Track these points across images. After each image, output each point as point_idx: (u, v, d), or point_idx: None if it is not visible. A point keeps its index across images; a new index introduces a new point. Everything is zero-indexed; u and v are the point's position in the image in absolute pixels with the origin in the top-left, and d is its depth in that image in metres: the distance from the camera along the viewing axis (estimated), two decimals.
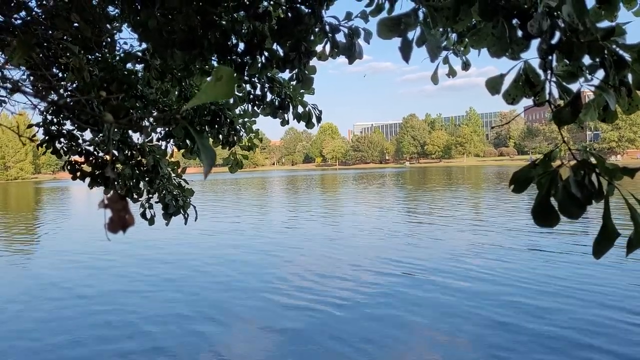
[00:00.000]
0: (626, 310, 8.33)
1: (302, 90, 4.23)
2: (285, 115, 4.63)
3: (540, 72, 1.84)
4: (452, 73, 3.21)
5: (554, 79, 1.81)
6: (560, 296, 9.24)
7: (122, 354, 7.12)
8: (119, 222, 0.82)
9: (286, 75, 4.01)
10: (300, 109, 4.58)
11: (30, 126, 4.51)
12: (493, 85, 1.86)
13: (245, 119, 5.00)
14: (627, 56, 1.57)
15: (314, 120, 4.69)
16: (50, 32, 3.69)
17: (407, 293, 9.84)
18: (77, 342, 7.66)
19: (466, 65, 3.26)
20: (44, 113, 4.89)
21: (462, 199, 32.20)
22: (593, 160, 1.63)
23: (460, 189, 41.11)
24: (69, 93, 4.24)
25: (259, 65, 3.76)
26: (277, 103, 4.47)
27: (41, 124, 4.95)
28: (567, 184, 1.58)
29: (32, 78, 4.19)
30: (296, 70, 3.49)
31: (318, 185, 60.19)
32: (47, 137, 4.86)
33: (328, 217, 24.51)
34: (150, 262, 14.02)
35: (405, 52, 1.66)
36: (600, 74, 1.74)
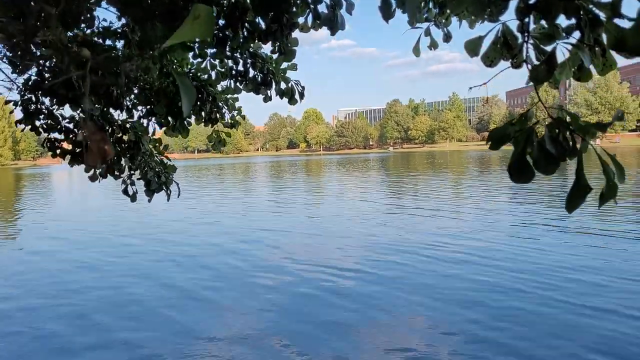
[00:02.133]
0: (611, 292, 8.50)
1: (284, 63, 4.22)
2: (268, 91, 4.62)
3: (518, 34, 1.86)
4: (433, 45, 3.22)
5: (531, 41, 1.83)
6: (538, 275, 9.40)
7: (103, 340, 7.12)
8: (99, 154, 0.83)
9: (268, 50, 4.00)
10: (282, 85, 4.57)
11: (7, 102, 4.45)
12: (472, 47, 1.88)
13: (228, 96, 4.97)
14: (602, 15, 1.60)
15: (296, 96, 4.68)
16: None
17: (392, 274, 9.93)
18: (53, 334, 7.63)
19: (447, 37, 3.28)
20: (22, 90, 4.82)
21: (445, 182, 32.45)
22: (568, 118, 1.66)
23: (442, 173, 41.38)
24: (47, 69, 4.19)
25: (241, 39, 3.74)
26: (259, 79, 4.45)
27: (19, 102, 4.88)
28: (542, 141, 1.61)
29: (8, 54, 4.13)
30: (278, 42, 3.48)
31: (302, 170, 60.18)
32: (25, 115, 4.79)
33: (312, 201, 24.58)
34: (131, 249, 13.95)
35: (386, 11, 1.67)
36: (576, 35, 1.77)
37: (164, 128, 5.16)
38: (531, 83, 1.70)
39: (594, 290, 8.29)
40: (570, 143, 1.61)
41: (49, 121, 4.68)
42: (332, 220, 17.72)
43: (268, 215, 20.14)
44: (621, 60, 1.72)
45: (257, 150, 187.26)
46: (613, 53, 1.70)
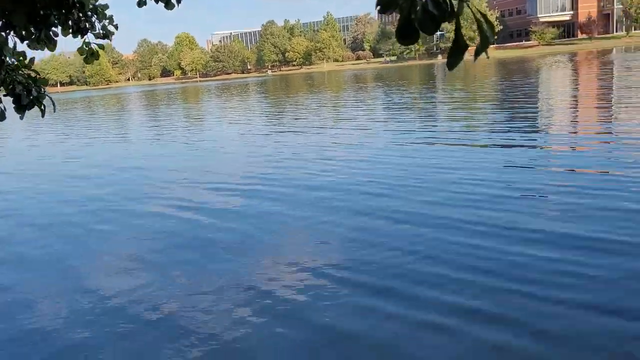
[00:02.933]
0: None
1: None
2: None
3: None
4: None
5: None
6: (406, 179, 10.10)
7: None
8: None
9: None
10: None
11: None
12: None
13: (97, 3, 4.62)
14: None
15: (173, 0, 4.47)
16: None
17: (276, 191, 10.14)
18: None
19: None
20: None
21: (323, 101, 32.99)
22: None
23: (321, 93, 41.93)
24: None
25: None
26: None
27: None
28: (426, 4, 1.73)
29: None
30: None
31: (180, 97, 57.92)
32: None
33: (193, 129, 23.94)
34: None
35: None
36: None
37: (26, 42, 4.71)
38: None
39: (461, 196, 9.11)
40: (449, 6, 1.74)
41: None
42: (214, 144, 17.51)
43: (148, 144, 19.41)
44: None
45: (128, 80, 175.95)
46: None
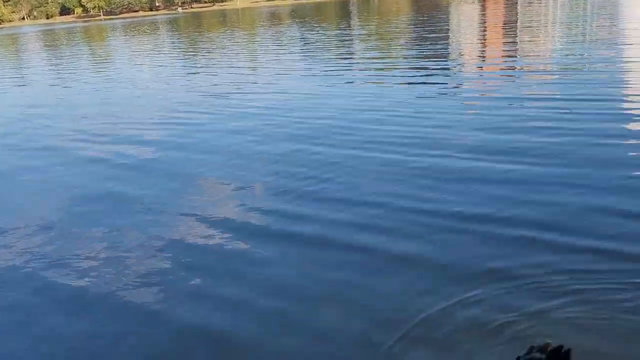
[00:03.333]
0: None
1: None
2: None
3: None
4: None
5: None
6: (322, 112, 10.27)
7: None
8: None
9: None
10: None
11: None
12: None
13: None
14: None
15: None
16: None
17: (190, 135, 9.96)
18: None
19: None
20: None
21: (240, 39, 32.09)
22: None
23: (235, 30, 40.68)
24: None
25: None
26: None
27: None
28: None
29: None
30: None
31: (83, 37, 54.15)
32: None
33: (101, 71, 22.65)
34: None
35: None
36: None
37: None
38: None
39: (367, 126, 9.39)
40: None
41: None
42: (124, 88, 16.77)
43: (51, 89, 18.25)
44: None
45: (23, 19, 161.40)
46: None
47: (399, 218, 5.57)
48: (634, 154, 6.94)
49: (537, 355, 3.22)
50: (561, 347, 3.22)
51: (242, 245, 5.35)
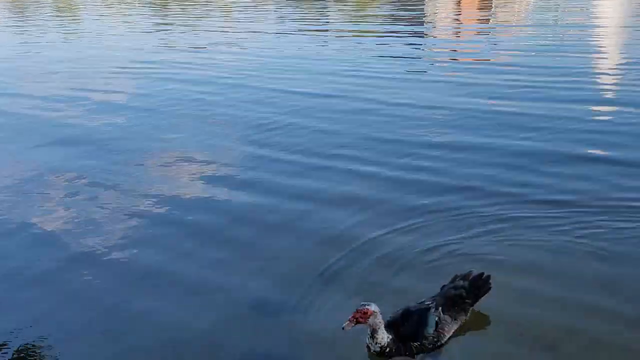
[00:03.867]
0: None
1: None
2: None
3: None
4: None
5: None
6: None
7: None
8: None
9: None
10: None
11: None
12: None
13: None
14: None
15: None
16: None
17: (146, 99, 10.40)
18: None
19: None
20: None
21: None
22: None
23: None
24: None
25: None
26: None
27: None
28: None
29: None
30: None
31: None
32: None
33: (68, 28, 22.05)
34: None
35: None
36: None
37: None
38: None
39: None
40: None
41: None
42: (92, 44, 16.63)
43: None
44: None
45: None
46: None
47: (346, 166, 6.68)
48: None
49: (461, 282, 4.03)
50: (482, 274, 4.04)
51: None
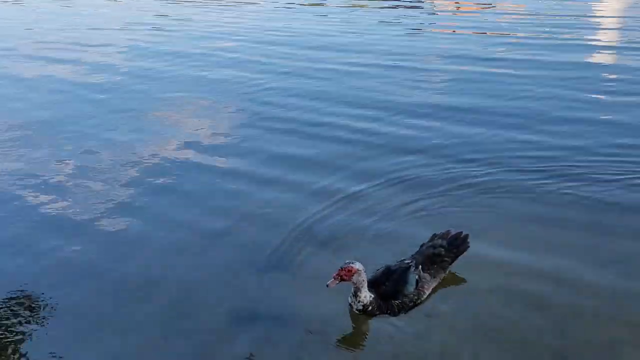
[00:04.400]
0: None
1: None
2: None
3: None
4: None
5: None
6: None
7: None
8: None
9: None
10: None
11: None
12: None
13: None
14: None
15: None
16: None
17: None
18: None
19: None
20: None
21: None
22: None
23: None
24: None
25: None
26: None
27: None
28: None
29: None
30: None
31: None
32: None
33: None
34: None
35: None
36: None
37: None
38: None
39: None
40: None
41: None
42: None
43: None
44: None
45: None
46: None
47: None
48: None
49: (439, 241, 4.10)
50: (460, 232, 4.12)
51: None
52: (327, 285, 3.50)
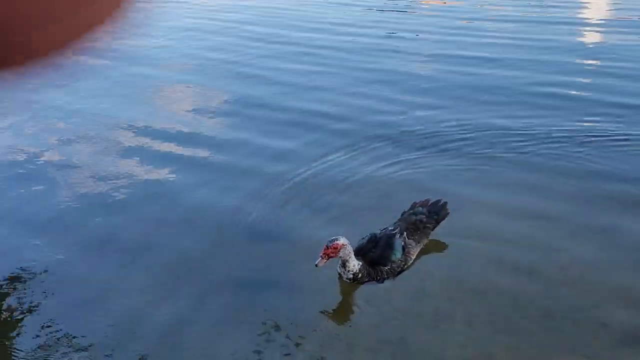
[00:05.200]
0: None
1: None
2: None
3: None
4: None
5: None
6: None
7: None
8: None
9: None
10: None
11: None
12: None
13: None
14: None
15: None
16: None
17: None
18: None
19: None
20: None
21: None
22: None
23: None
24: None
25: None
26: None
27: None
28: None
29: None
30: None
31: None
32: None
33: None
34: None
35: None
36: None
37: None
38: None
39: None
40: None
41: None
42: None
43: None
44: None
45: None
46: None
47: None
48: None
49: (420, 209, 4.10)
50: (439, 200, 4.13)
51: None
52: (316, 265, 3.47)
